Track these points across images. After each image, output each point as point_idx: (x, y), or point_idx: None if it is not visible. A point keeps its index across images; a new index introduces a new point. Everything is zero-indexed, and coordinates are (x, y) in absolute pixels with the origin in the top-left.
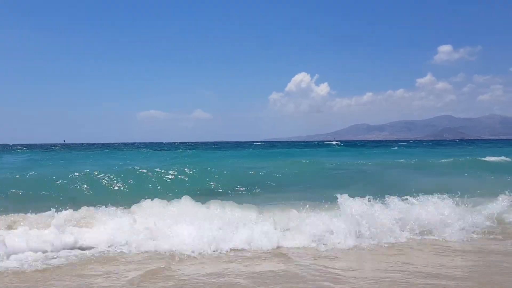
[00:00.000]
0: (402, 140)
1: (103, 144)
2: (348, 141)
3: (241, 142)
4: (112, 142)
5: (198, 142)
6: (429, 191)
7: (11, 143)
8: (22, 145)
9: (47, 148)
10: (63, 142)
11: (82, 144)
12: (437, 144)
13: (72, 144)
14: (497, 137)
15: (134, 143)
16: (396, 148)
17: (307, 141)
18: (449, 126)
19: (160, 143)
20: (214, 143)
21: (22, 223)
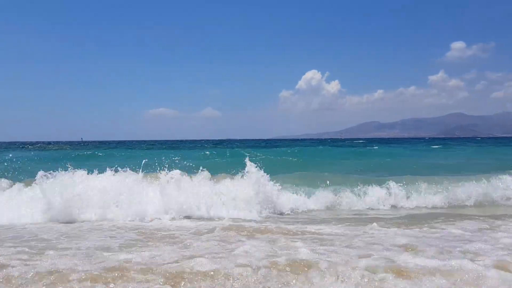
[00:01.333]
0: (414, 138)
1: (118, 141)
2: (375, 139)
3: (270, 139)
4: (124, 139)
5: (212, 140)
6: None
7: (36, 140)
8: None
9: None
10: (81, 140)
11: (84, 142)
12: (470, 142)
13: (91, 142)
14: (509, 135)
15: (145, 140)
16: (439, 146)
17: (332, 138)
18: (461, 123)
19: (168, 140)
20: (232, 140)
21: None
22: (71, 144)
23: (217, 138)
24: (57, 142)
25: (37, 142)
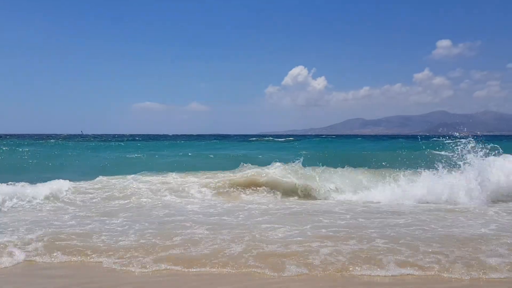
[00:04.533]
0: (400, 135)
1: (114, 135)
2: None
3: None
4: (117, 133)
5: (203, 135)
6: None
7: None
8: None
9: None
10: (80, 133)
11: (84, 135)
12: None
13: (92, 135)
14: (491, 133)
15: (137, 134)
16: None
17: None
18: (445, 121)
19: (158, 135)
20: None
21: None
22: (71, 137)
23: (207, 133)
24: (57, 135)
25: (35, 135)
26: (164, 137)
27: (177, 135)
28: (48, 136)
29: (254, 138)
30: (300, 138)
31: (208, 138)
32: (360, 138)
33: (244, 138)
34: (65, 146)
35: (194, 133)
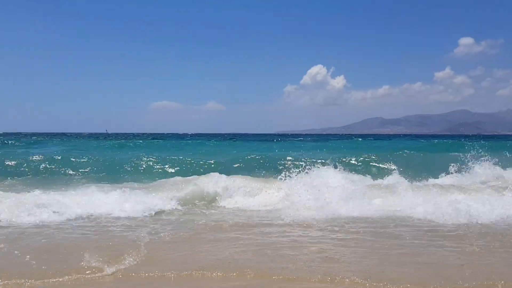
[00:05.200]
0: (421, 135)
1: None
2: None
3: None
4: (133, 132)
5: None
6: None
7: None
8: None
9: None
10: (105, 132)
11: (108, 134)
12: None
13: (116, 134)
14: None
15: (151, 133)
16: None
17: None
18: (466, 120)
19: (177, 134)
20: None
21: None
22: (96, 136)
23: (224, 132)
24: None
25: (56, 134)
26: (184, 136)
27: (196, 134)
28: (78, 134)
29: (281, 138)
30: (320, 138)
31: (228, 137)
32: (380, 139)
33: (268, 137)
34: (139, 146)
35: (211, 132)
